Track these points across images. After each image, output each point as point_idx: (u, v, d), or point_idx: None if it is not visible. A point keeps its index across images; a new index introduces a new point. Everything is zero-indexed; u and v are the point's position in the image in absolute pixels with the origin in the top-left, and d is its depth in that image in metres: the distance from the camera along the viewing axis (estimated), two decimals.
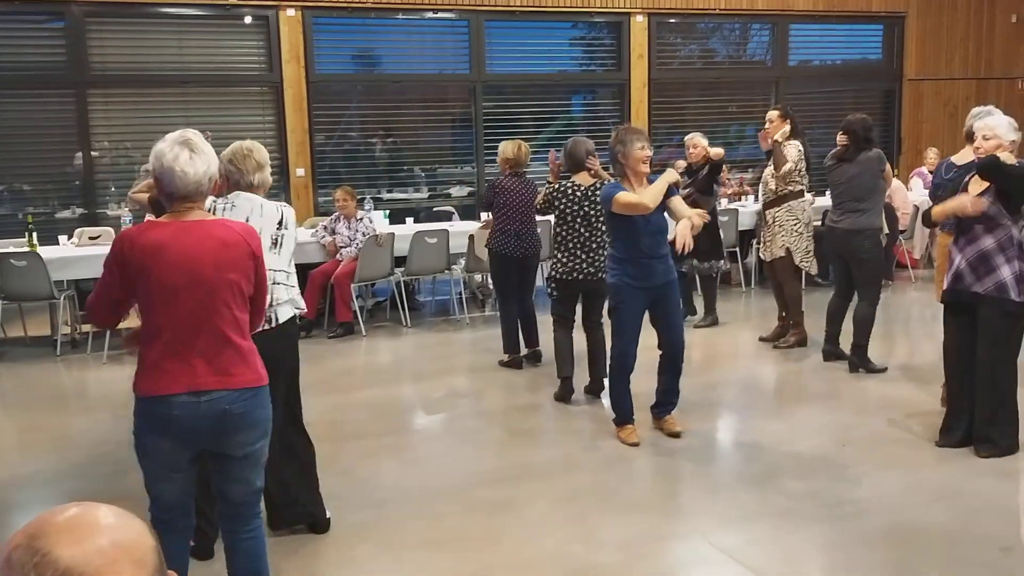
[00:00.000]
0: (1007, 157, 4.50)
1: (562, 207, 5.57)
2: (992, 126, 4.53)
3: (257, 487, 2.99)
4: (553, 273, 5.69)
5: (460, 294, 8.55)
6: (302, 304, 3.73)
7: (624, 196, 4.71)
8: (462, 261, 8.34)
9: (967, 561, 3.55)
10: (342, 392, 6.10)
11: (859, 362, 6.15)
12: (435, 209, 10.01)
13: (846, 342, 6.28)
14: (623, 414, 5.05)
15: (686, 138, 7.67)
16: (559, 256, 5.62)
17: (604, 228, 5.48)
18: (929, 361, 6.15)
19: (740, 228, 9.08)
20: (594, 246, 5.54)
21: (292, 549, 3.78)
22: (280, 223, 3.58)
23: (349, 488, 4.34)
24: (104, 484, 4.39)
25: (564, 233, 5.59)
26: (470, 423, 5.51)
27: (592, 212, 5.52)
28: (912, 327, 7.93)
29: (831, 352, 6.43)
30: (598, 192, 5.47)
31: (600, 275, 5.54)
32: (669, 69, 11.08)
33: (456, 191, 10.44)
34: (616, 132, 4.98)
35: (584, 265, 5.56)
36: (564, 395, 5.76)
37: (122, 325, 3.27)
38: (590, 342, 5.80)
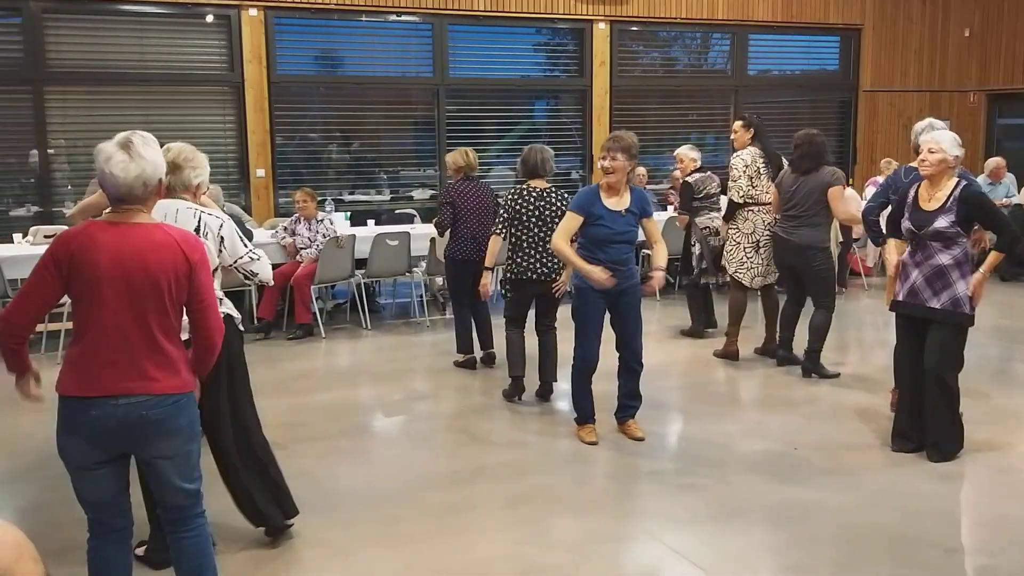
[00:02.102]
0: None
1: (518, 207, 5.60)
2: (938, 140, 4.61)
3: (191, 490, 2.92)
4: (507, 274, 5.72)
5: (421, 297, 8.56)
6: (227, 311, 3.56)
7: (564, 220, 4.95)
8: (423, 264, 8.35)
9: (912, 562, 3.64)
10: (299, 394, 6.08)
11: (812, 367, 6.25)
12: (397, 211, 10.00)
13: (799, 349, 6.39)
14: (583, 413, 5.11)
15: (675, 152, 7.65)
16: (513, 257, 5.65)
17: None
18: (880, 367, 6.28)
19: None
20: (549, 246, 5.54)
21: (242, 551, 3.77)
22: (197, 230, 3.37)
23: (303, 490, 4.32)
24: (51, 487, 4.32)
25: (519, 233, 5.61)
26: (426, 425, 5.52)
27: (548, 212, 5.57)
28: (865, 334, 8.07)
29: (785, 357, 6.53)
30: (553, 194, 5.60)
31: (554, 276, 5.59)
32: (630, 76, 11.17)
33: (418, 194, 10.44)
34: None
35: (538, 265, 5.58)
36: (513, 393, 5.81)
37: None
38: (541, 346, 5.83)
